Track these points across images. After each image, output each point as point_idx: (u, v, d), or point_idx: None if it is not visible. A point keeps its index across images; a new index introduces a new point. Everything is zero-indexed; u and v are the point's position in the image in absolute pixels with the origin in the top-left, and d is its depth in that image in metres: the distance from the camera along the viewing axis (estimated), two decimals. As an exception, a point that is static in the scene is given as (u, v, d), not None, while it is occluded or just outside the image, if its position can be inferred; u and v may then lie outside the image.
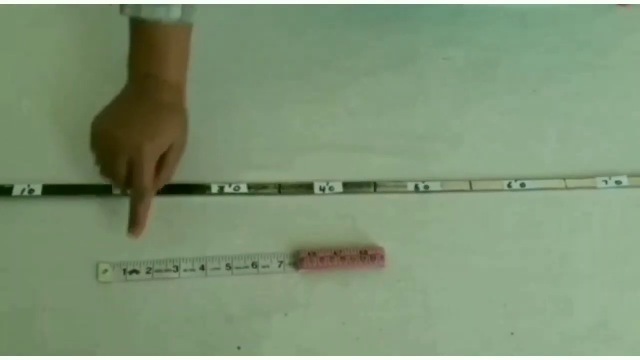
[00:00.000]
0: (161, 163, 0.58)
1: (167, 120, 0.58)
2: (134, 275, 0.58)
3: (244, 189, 0.63)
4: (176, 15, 0.57)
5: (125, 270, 0.58)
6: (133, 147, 0.55)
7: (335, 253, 0.59)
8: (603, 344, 0.57)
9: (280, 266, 0.59)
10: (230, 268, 0.59)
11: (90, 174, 0.63)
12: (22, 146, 0.65)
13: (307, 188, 0.63)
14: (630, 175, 0.64)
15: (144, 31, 0.58)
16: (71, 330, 0.56)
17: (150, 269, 0.58)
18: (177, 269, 0.59)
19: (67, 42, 0.72)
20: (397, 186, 0.63)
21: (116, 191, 0.61)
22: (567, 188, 0.63)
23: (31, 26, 0.73)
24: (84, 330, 0.56)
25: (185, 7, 0.57)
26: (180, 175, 0.63)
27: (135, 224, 0.57)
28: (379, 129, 0.67)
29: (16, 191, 0.61)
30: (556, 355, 0.56)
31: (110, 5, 0.56)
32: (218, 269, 0.59)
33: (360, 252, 0.59)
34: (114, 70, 0.69)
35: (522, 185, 0.63)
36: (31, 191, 0.61)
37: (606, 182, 0.64)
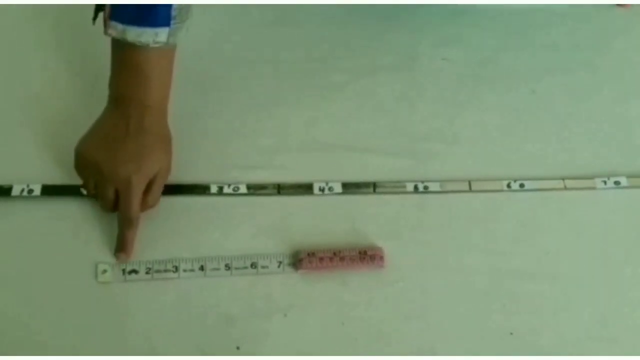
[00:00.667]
0: (147, 188, 0.59)
1: (153, 149, 0.59)
2: (133, 275, 0.58)
3: (243, 189, 0.63)
4: (162, 39, 0.55)
5: (124, 270, 0.58)
6: (121, 179, 0.57)
7: (334, 253, 0.59)
8: (601, 344, 0.57)
9: (279, 266, 0.59)
10: (229, 268, 0.59)
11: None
12: (20, 146, 0.65)
13: (306, 188, 0.63)
14: (629, 176, 0.64)
15: (128, 54, 0.57)
16: (70, 330, 0.56)
17: (150, 269, 0.58)
18: (176, 269, 0.59)
19: (64, 43, 0.72)
20: (396, 186, 0.63)
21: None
22: (566, 188, 0.64)
23: (26, 23, 0.73)
24: (83, 330, 0.56)
25: (171, 30, 0.55)
26: (180, 175, 0.63)
27: (123, 249, 0.58)
28: (378, 129, 0.67)
29: (15, 191, 0.61)
30: (555, 355, 0.56)
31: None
32: (217, 269, 0.59)
33: (360, 253, 0.59)
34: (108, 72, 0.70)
35: (521, 185, 0.63)
36: (30, 191, 0.61)
37: (605, 182, 0.64)
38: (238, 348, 0.56)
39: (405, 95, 0.70)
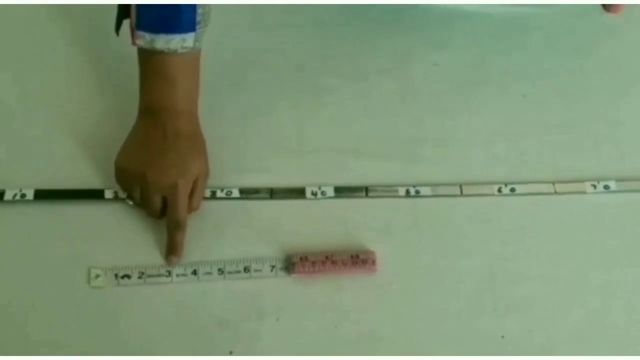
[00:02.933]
0: (190, 192, 0.60)
1: (192, 153, 0.60)
2: (126, 280, 0.58)
3: (235, 193, 0.63)
4: (189, 44, 0.56)
5: (117, 275, 0.58)
6: (167, 186, 0.58)
7: (326, 257, 0.59)
8: (592, 346, 0.57)
9: (272, 270, 0.59)
10: (222, 272, 0.59)
11: (82, 179, 0.63)
12: (13, 151, 0.65)
13: (298, 192, 0.63)
14: (618, 180, 0.64)
15: (157, 62, 0.57)
16: (63, 335, 0.56)
17: (142, 273, 0.59)
18: (169, 273, 0.59)
19: (60, 44, 0.72)
20: (388, 191, 0.64)
21: (109, 195, 0.62)
22: (556, 192, 0.64)
23: (24, 28, 0.73)
24: (76, 334, 0.56)
25: (197, 35, 0.56)
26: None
27: (175, 253, 0.59)
28: (370, 133, 0.67)
29: (8, 196, 0.61)
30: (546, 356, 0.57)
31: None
32: (210, 273, 0.59)
33: (352, 256, 0.59)
34: (105, 74, 0.70)
35: (512, 190, 0.64)
36: (23, 195, 0.61)
37: (594, 186, 0.64)
38: (231, 352, 0.56)
39: (397, 99, 0.70)
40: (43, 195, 0.62)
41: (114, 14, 0.58)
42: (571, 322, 0.58)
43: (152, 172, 0.58)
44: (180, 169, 0.58)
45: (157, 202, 0.59)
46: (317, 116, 0.68)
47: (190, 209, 0.60)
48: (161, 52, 0.56)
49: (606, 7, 0.76)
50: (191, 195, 0.59)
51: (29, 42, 0.72)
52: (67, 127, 0.66)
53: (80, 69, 0.70)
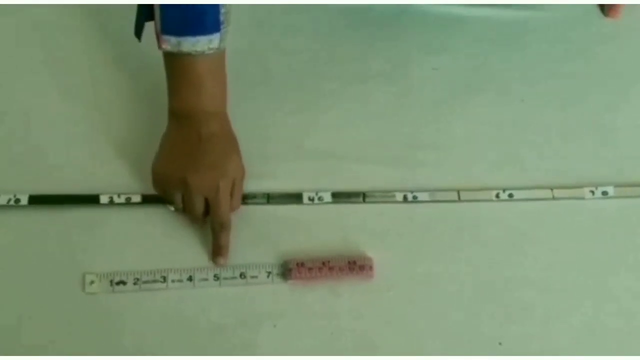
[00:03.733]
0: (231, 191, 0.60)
1: (228, 153, 0.60)
2: (121, 286, 0.58)
3: (232, 198, 0.63)
4: (215, 44, 0.55)
5: (111, 281, 0.58)
6: (210, 188, 0.58)
7: (323, 263, 0.59)
8: (590, 351, 0.57)
9: (268, 276, 0.59)
10: (218, 279, 0.59)
11: (77, 184, 0.62)
12: (8, 156, 0.64)
13: (295, 198, 0.63)
14: (616, 185, 0.64)
15: (184, 65, 0.57)
16: (57, 341, 0.56)
17: (138, 279, 0.58)
18: (164, 279, 0.58)
19: (57, 46, 0.72)
20: (385, 196, 0.63)
21: (104, 200, 0.61)
22: (554, 198, 0.64)
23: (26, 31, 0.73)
24: (70, 341, 0.56)
25: (221, 35, 0.56)
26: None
27: (222, 254, 0.59)
28: (368, 138, 0.67)
29: (2, 200, 0.61)
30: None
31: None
32: (206, 279, 0.59)
33: (349, 262, 0.59)
34: (101, 76, 0.70)
35: (510, 195, 0.64)
36: (17, 201, 0.61)
37: (593, 192, 0.64)
38: (227, 359, 0.56)
39: (395, 104, 0.70)
40: (37, 200, 0.61)
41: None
42: (569, 328, 0.58)
43: (193, 176, 0.57)
44: (220, 170, 0.58)
45: (200, 205, 0.59)
46: (314, 121, 0.68)
47: (232, 208, 0.60)
48: (188, 55, 0.56)
49: (605, 11, 0.76)
50: (230, 195, 0.59)
51: (18, 50, 0.72)
52: (61, 132, 0.66)
53: (76, 75, 0.70)
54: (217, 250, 0.59)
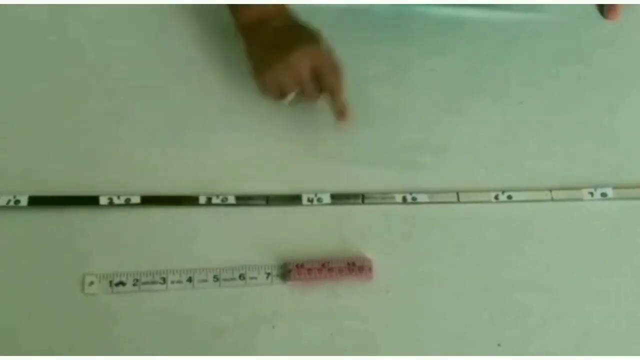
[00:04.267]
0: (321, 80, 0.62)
1: (308, 28, 0.63)
2: (120, 287, 0.58)
3: (231, 200, 0.63)
4: None
5: (111, 282, 0.58)
6: (313, 57, 0.61)
7: (322, 264, 0.59)
8: (589, 353, 0.57)
9: (267, 278, 0.59)
10: (218, 280, 0.59)
11: (76, 185, 0.62)
12: (8, 157, 0.64)
13: (294, 199, 0.63)
14: (615, 187, 0.64)
15: None
16: (56, 342, 0.56)
17: (137, 280, 0.58)
18: (164, 280, 0.58)
19: (54, 46, 0.72)
20: (384, 197, 0.64)
21: (103, 202, 0.61)
22: (553, 200, 0.64)
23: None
24: (70, 341, 0.56)
25: None
26: (168, 186, 0.63)
27: (345, 116, 0.61)
28: (366, 140, 0.67)
29: (2, 202, 0.61)
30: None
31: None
32: (205, 280, 0.59)
33: (348, 264, 0.59)
34: (101, 77, 0.70)
35: (509, 197, 0.64)
36: (17, 202, 0.61)
37: (592, 193, 0.64)
38: None
39: (393, 105, 0.70)
40: (37, 201, 0.61)
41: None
42: (568, 330, 0.58)
43: (294, 53, 0.60)
44: (313, 42, 0.61)
45: (311, 84, 0.61)
46: (313, 122, 0.68)
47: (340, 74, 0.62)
48: None
49: (604, 13, 0.76)
50: (323, 77, 0.62)
51: (22, 51, 0.72)
52: (61, 133, 0.66)
53: (76, 75, 0.70)
54: (342, 115, 0.61)
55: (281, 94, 0.63)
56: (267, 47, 0.62)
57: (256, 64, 0.63)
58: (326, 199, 0.63)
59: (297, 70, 0.60)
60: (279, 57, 0.60)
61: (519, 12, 0.76)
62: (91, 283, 0.58)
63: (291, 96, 0.63)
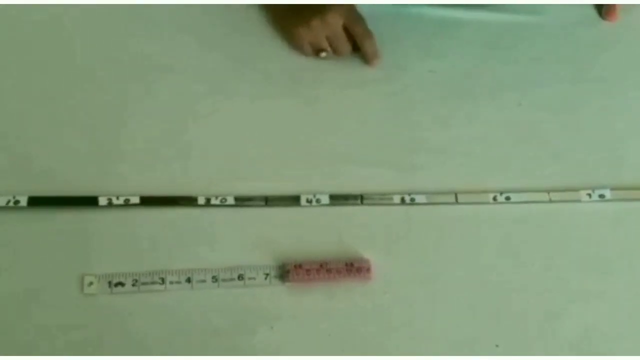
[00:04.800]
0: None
1: None
2: (119, 288, 0.58)
3: (230, 200, 0.63)
4: None
5: (110, 283, 0.58)
6: (344, 12, 0.67)
7: (321, 265, 0.59)
8: (587, 354, 0.57)
9: (266, 278, 0.59)
10: (216, 280, 0.59)
11: (75, 186, 0.63)
12: (7, 157, 0.65)
13: (293, 200, 0.63)
14: (613, 189, 0.65)
15: None
16: (55, 341, 0.56)
17: (136, 281, 0.58)
18: (162, 281, 0.59)
19: (54, 46, 0.72)
20: (383, 198, 0.64)
21: (102, 202, 0.61)
22: (551, 201, 0.64)
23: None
24: (68, 341, 0.56)
25: None
26: (167, 187, 0.63)
27: (375, 57, 0.70)
28: (365, 141, 0.67)
29: (1, 202, 0.61)
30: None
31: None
32: (204, 281, 0.59)
33: (346, 264, 0.59)
34: (101, 77, 0.70)
35: (507, 198, 0.64)
36: (16, 202, 0.61)
37: (590, 195, 0.64)
38: None
39: (392, 107, 0.70)
40: (37, 202, 0.61)
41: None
42: (565, 330, 0.58)
43: (329, 14, 0.66)
44: (342, 3, 0.67)
45: (343, 36, 0.68)
46: (311, 123, 0.68)
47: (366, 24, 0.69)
48: None
49: (602, 14, 0.76)
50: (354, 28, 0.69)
51: (19, 49, 0.72)
52: (60, 133, 0.66)
53: (76, 75, 0.70)
54: (371, 56, 0.70)
55: (315, 50, 0.70)
56: (301, 7, 0.68)
57: (291, 22, 0.69)
58: (325, 199, 0.63)
59: (332, 25, 0.67)
60: (314, 15, 0.67)
61: (518, 13, 0.76)
62: (90, 283, 0.58)
63: (325, 53, 0.69)
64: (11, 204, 0.61)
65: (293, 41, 0.70)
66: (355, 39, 0.69)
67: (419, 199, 0.64)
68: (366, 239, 0.62)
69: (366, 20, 0.69)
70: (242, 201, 0.63)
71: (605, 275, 0.61)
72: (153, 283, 0.58)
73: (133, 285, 0.58)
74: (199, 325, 0.57)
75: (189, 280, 0.59)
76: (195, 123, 0.67)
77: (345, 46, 0.70)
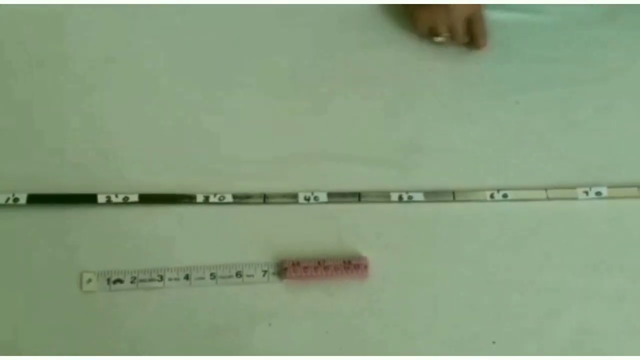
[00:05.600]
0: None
1: None
2: (118, 285, 0.58)
3: (228, 198, 0.63)
4: None
5: (109, 280, 0.58)
6: (470, 9, 0.71)
7: (319, 262, 0.59)
8: (583, 351, 0.57)
9: (264, 275, 0.59)
10: (215, 277, 0.59)
11: (74, 184, 0.63)
12: (7, 155, 0.65)
13: (291, 198, 0.64)
14: (610, 186, 0.65)
15: None
16: (54, 339, 0.56)
17: (135, 278, 0.59)
18: (161, 278, 0.59)
19: (53, 44, 0.72)
20: (380, 196, 0.64)
21: (101, 200, 0.62)
22: (548, 199, 0.64)
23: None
24: (67, 338, 0.56)
25: None
26: (166, 184, 0.63)
27: (482, 40, 0.72)
28: (363, 139, 0.68)
29: (0, 200, 0.61)
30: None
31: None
32: (202, 278, 0.59)
33: (344, 262, 0.60)
34: (101, 77, 0.70)
35: (504, 195, 0.64)
36: (16, 200, 0.61)
37: (587, 192, 0.64)
38: (222, 357, 0.56)
39: (390, 105, 0.70)
40: (36, 199, 0.62)
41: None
42: (562, 327, 0.58)
43: (456, 6, 0.69)
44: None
45: (462, 27, 0.71)
46: (310, 122, 0.69)
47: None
48: None
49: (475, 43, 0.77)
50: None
51: (19, 47, 0.72)
52: (60, 131, 0.66)
53: (75, 75, 0.70)
54: (482, 41, 0.72)
55: (430, 33, 0.72)
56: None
57: (416, 5, 0.71)
58: (323, 197, 0.64)
59: (456, 17, 0.70)
60: (441, 5, 0.69)
61: (516, 12, 0.77)
62: (89, 280, 0.58)
63: (441, 38, 0.71)
64: (10, 201, 0.61)
65: (411, 19, 0.73)
66: (472, 32, 0.72)
67: (417, 196, 0.64)
68: (364, 237, 0.62)
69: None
70: (241, 199, 0.63)
71: (601, 272, 0.61)
72: (151, 280, 0.59)
73: (132, 282, 0.58)
74: (197, 322, 0.57)
75: (187, 277, 0.59)
76: (194, 122, 0.68)
77: (463, 37, 0.72)
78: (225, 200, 0.63)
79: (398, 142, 0.68)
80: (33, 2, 0.74)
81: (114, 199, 0.62)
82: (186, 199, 0.63)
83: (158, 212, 0.62)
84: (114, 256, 0.60)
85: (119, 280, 0.58)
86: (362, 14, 0.76)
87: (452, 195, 0.64)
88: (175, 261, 0.60)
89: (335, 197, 0.64)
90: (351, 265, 0.59)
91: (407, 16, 0.73)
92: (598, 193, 0.64)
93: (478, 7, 0.71)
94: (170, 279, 0.59)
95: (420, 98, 0.71)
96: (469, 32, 0.72)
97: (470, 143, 0.68)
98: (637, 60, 0.74)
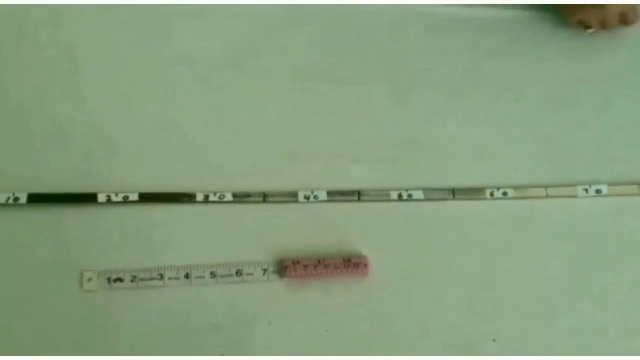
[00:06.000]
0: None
1: None
2: (119, 284, 0.58)
3: (229, 197, 0.63)
4: None
5: (109, 279, 0.59)
6: (625, 7, 0.71)
7: (319, 261, 0.60)
8: (584, 350, 0.58)
9: (264, 274, 0.60)
10: (215, 276, 0.59)
11: (75, 183, 0.63)
12: (7, 155, 0.65)
13: (291, 196, 0.64)
14: (609, 184, 0.65)
15: None
16: (55, 338, 0.56)
17: (135, 277, 0.59)
18: (161, 277, 0.59)
19: (55, 44, 0.72)
20: (380, 195, 0.64)
21: (102, 199, 0.62)
22: (548, 197, 0.64)
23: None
24: (68, 337, 0.57)
25: None
26: (166, 183, 0.63)
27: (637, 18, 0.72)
28: (363, 138, 0.68)
29: (1, 199, 0.62)
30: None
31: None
32: (202, 277, 0.59)
33: (344, 260, 0.60)
34: (101, 77, 0.70)
35: (505, 194, 0.64)
36: (16, 199, 0.62)
37: (587, 190, 0.64)
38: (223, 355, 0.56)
39: (390, 103, 0.70)
40: (36, 199, 0.62)
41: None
42: (563, 326, 0.59)
43: (611, 7, 0.70)
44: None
45: (615, 22, 0.71)
46: (310, 120, 0.68)
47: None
48: None
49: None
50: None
51: (19, 47, 0.72)
52: (60, 131, 0.66)
53: (75, 74, 0.70)
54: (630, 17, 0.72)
55: (581, 25, 0.73)
56: None
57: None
58: (323, 196, 0.64)
59: (609, 15, 0.70)
60: (595, 5, 0.70)
61: (516, 10, 0.76)
62: (89, 280, 0.59)
63: (592, 30, 0.72)
64: (11, 201, 0.62)
65: (562, 12, 0.74)
66: (624, 20, 0.72)
67: (417, 195, 0.64)
68: (364, 235, 0.62)
69: None
70: (241, 198, 0.63)
71: (602, 270, 0.61)
72: (152, 279, 0.59)
73: (132, 281, 0.59)
74: (198, 321, 0.58)
75: (187, 276, 0.59)
76: (193, 121, 0.68)
77: (617, 28, 0.73)
78: (225, 199, 0.63)
79: (398, 140, 0.67)
80: (33, 2, 0.74)
81: (114, 198, 0.62)
82: (186, 197, 0.63)
83: (158, 211, 0.62)
84: (115, 255, 0.60)
85: (120, 280, 0.59)
86: (358, 13, 0.76)
87: (452, 194, 0.64)
88: (176, 260, 0.60)
89: (335, 195, 0.64)
90: (351, 263, 0.60)
91: (558, 7, 0.74)
92: (598, 191, 0.64)
93: (633, 7, 0.72)
94: (170, 278, 0.59)
95: (420, 96, 0.71)
96: (625, 21, 0.73)
97: (469, 141, 0.68)
98: (637, 58, 0.74)
